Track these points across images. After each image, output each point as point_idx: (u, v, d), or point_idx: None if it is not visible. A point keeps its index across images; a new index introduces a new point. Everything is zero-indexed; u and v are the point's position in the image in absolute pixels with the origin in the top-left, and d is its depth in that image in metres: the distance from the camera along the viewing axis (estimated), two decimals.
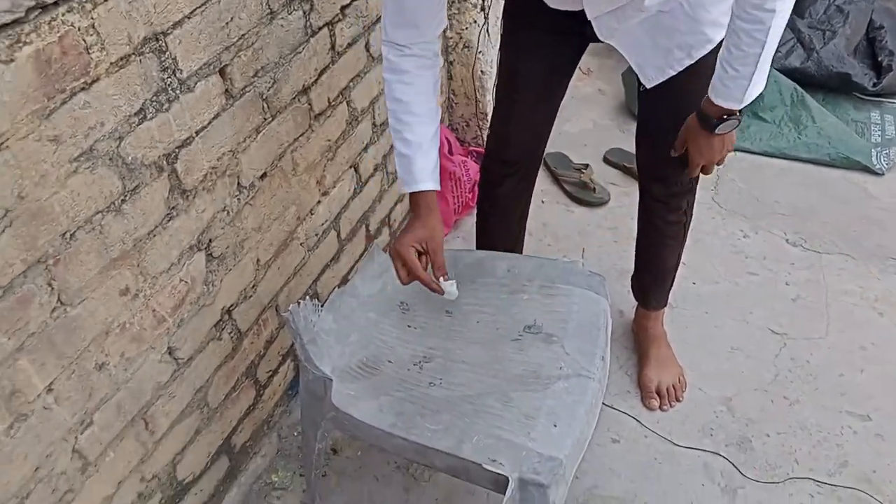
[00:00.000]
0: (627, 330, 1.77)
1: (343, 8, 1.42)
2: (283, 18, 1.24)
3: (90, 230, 0.93)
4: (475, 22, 1.97)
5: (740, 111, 1.19)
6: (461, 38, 2.00)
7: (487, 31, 2.02)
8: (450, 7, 1.96)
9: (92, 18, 0.85)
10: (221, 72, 1.12)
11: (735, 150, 2.36)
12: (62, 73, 0.83)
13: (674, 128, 1.31)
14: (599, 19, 1.17)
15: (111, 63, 0.90)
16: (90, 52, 0.86)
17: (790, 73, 2.50)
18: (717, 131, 1.21)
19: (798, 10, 2.67)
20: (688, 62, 1.22)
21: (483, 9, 1.97)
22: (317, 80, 1.39)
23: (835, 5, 2.63)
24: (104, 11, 0.87)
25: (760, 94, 2.33)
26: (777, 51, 2.56)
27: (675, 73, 1.23)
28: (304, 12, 1.30)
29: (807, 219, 2.11)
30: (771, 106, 2.43)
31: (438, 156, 1.22)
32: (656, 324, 1.69)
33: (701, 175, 1.38)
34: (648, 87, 1.26)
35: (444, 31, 1.98)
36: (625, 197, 2.18)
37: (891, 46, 2.56)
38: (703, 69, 1.22)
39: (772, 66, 2.46)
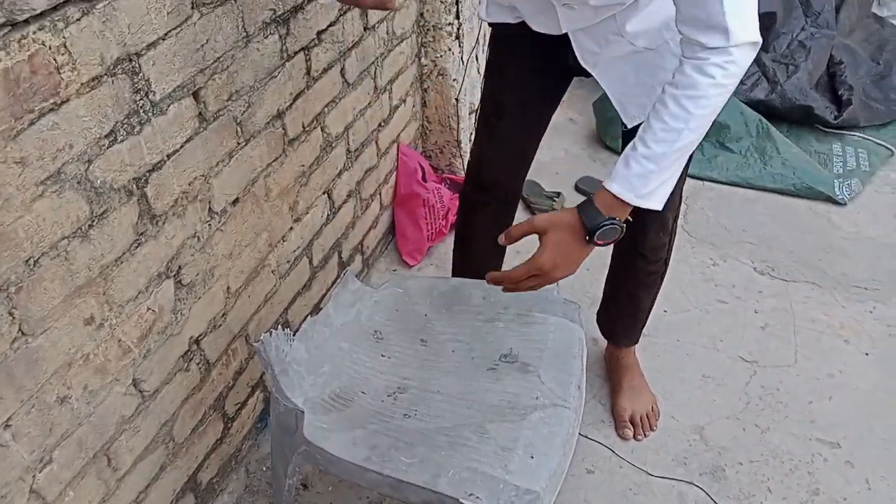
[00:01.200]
0: (600, 358, 1.76)
1: (319, 33, 1.41)
2: (259, 42, 1.22)
3: (55, 256, 0.89)
4: (450, 50, 1.98)
5: (623, 222, 1.00)
6: (436, 65, 2.01)
7: (462, 59, 2.03)
8: (424, 35, 1.97)
9: (64, 38, 0.83)
10: (195, 95, 1.09)
11: (703, 179, 2.42)
12: (31, 92, 0.80)
13: None
14: (578, 41, 1.18)
15: (82, 84, 0.87)
16: (61, 71, 0.83)
17: (755, 106, 2.57)
18: (596, 237, 1.00)
19: (763, 46, 2.74)
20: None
21: (458, 37, 1.98)
22: (291, 104, 1.37)
23: (797, 41, 2.72)
24: (76, 31, 0.84)
25: (727, 125, 2.45)
26: (742, 83, 2.65)
27: None
28: (281, 36, 1.28)
29: (773, 247, 2.15)
30: (737, 137, 2.48)
31: None
32: (629, 354, 1.69)
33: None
34: (630, 125, 1.24)
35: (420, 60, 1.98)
36: None
37: (850, 81, 2.65)
38: None
39: (737, 97, 2.57)
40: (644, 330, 1.68)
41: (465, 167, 1.53)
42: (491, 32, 1.36)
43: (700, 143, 2.55)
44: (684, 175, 1.41)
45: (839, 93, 2.64)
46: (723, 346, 1.82)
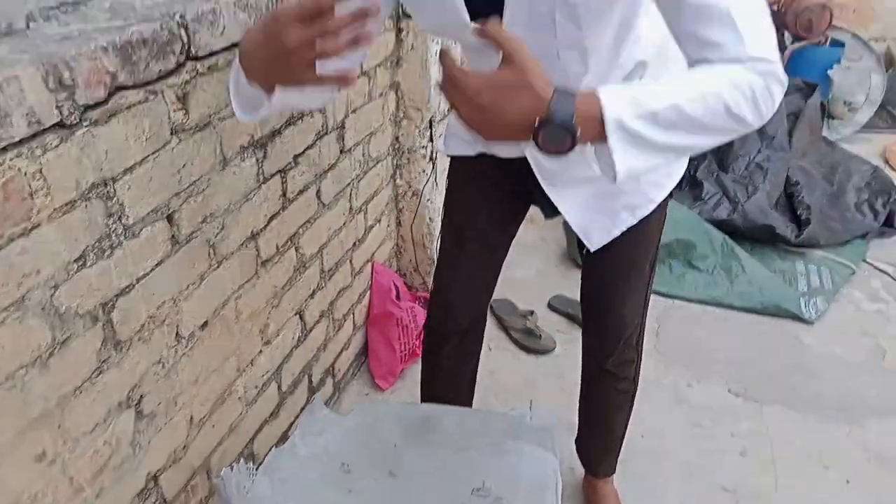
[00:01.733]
0: (578, 488, 1.69)
1: (296, 156, 1.43)
2: (236, 165, 1.23)
3: (11, 388, 0.84)
4: (424, 171, 2.02)
5: (575, 137, 0.77)
6: (410, 186, 2.04)
7: (435, 180, 2.08)
8: (399, 157, 2.01)
9: (40, 164, 0.82)
10: (169, 218, 1.08)
11: (673, 297, 2.45)
12: (2, 218, 0.78)
13: (621, 300, 1.33)
14: (537, 160, 1.16)
15: (55, 209, 0.86)
16: (34, 197, 0.82)
17: (719, 225, 2.65)
18: (544, 132, 0.77)
19: (722, 166, 2.88)
20: (632, 221, 1.22)
21: (432, 159, 2.03)
22: (266, 225, 1.37)
23: (755, 162, 2.85)
24: (54, 157, 0.84)
25: (693, 243, 2.51)
26: (705, 203, 2.75)
27: (619, 234, 1.22)
28: (258, 160, 1.29)
29: (746, 368, 2.14)
30: (703, 255, 2.54)
31: None
32: (606, 484, 1.63)
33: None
34: (593, 249, 1.24)
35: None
36: (570, 344, 2.18)
37: (807, 201, 2.76)
38: (646, 236, 1.25)
39: (701, 216, 2.66)
40: (621, 456, 1.63)
41: (428, 301, 1.50)
42: (450, 164, 1.37)
43: (668, 262, 2.60)
44: (648, 293, 1.40)
45: (798, 212, 2.74)
46: (701, 473, 1.77)
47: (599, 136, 0.78)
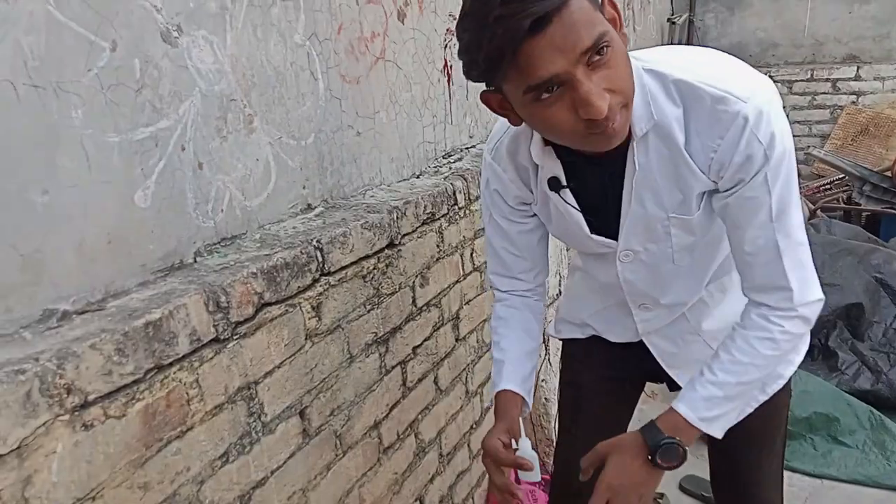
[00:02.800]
0: None
1: (415, 348, 1.55)
2: (361, 361, 1.35)
3: None
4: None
5: (684, 446, 1.01)
6: None
7: (549, 361, 2.12)
8: None
9: (197, 374, 0.97)
10: (301, 413, 1.20)
11: (821, 477, 2.25)
12: (163, 423, 0.92)
13: (756, 479, 1.28)
14: (655, 344, 1.22)
15: (206, 412, 0.99)
16: (190, 403, 0.96)
17: (862, 396, 2.46)
18: (657, 457, 1.01)
19: (857, 335, 2.72)
20: (763, 399, 1.19)
21: (544, 341, 2.10)
22: (388, 414, 1.46)
23: (893, 328, 2.68)
24: (209, 367, 0.99)
25: (835, 417, 2.33)
26: (843, 373, 2.58)
27: (751, 411, 1.18)
28: (380, 354, 1.42)
29: None
30: (850, 430, 2.35)
31: (532, 373, 1.23)
32: None
33: None
34: (721, 435, 1.13)
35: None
36: None
37: None
38: (775, 409, 1.23)
39: (840, 387, 2.48)
40: None
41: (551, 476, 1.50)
42: (562, 347, 1.43)
43: (810, 438, 2.42)
44: (782, 470, 1.34)
45: None
46: None
47: (697, 432, 1.02)
